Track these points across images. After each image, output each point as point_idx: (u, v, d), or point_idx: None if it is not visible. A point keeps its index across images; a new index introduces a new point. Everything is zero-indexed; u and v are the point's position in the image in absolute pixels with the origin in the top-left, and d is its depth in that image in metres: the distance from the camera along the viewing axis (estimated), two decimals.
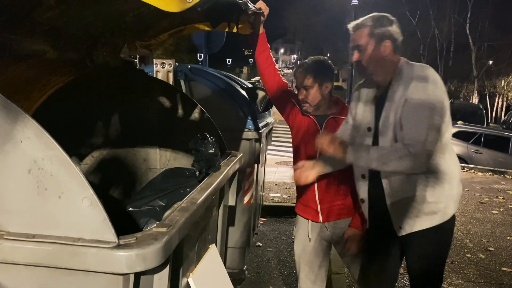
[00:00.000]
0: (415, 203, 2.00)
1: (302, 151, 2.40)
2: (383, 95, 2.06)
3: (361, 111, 2.17)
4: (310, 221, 2.42)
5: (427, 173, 1.95)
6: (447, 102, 1.97)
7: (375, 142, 2.07)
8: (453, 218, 2.08)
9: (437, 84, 1.95)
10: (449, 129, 2.01)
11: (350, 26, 2.10)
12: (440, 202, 2.01)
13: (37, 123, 1.16)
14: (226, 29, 2.32)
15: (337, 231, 2.39)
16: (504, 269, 3.98)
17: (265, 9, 2.34)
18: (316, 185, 2.34)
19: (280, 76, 2.56)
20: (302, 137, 2.40)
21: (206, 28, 2.59)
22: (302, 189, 2.43)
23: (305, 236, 2.45)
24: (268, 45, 2.54)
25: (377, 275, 2.29)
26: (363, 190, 2.17)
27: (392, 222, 2.08)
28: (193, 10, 1.17)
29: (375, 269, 2.31)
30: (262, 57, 2.51)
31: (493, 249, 4.47)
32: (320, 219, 2.38)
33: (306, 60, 2.40)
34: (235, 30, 2.13)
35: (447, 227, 2.08)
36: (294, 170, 2.22)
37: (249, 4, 1.82)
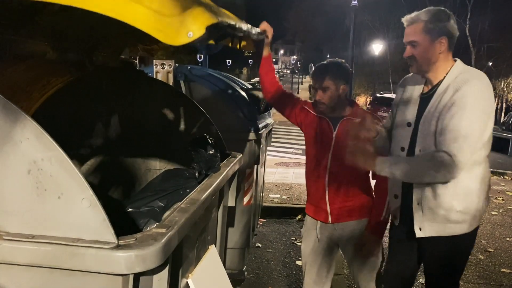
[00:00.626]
0: (442, 209, 1.96)
1: (314, 151, 2.41)
2: (431, 92, 2.01)
3: (404, 105, 2.13)
4: (319, 222, 2.43)
5: (460, 182, 1.90)
6: (493, 115, 1.93)
7: (413, 139, 2.04)
8: (475, 230, 2.03)
9: (491, 95, 1.90)
10: (490, 141, 1.95)
11: (404, 19, 2.02)
12: (467, 214, 1.95)
13: (37, 124, 1.16)
14: (230, 44, 2.30)
15: (346, 232, 2.40)
16: (504, 270, 3.98)
17: (269, 31, 2.29)
18: (326, 186, 2.35)
19: (285, 91, 2.58)
20: (315, 137, 2.40)
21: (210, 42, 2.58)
22: (312, 190, 2.44)
23: (314, 237, 2.46)
24: (273, 66, 2.55)
25: (394, 275, 2.30)
26: (397, 186, 2.14)
27: (414, 221, 2.06)
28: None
29: (393, 269, 2.31)
30: (267, 78, 2.51)
31: (492, 250, 4.47)
32: (330, 220, 2.39)
33: (324, 62, 2.42)
34: (238, 47, 2.10)
35: (469, 238, 2.05)
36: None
37: (252, 30, 1.78)
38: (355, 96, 32.79)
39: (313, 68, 2.41)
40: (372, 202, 2.39)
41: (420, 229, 2.04)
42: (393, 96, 20.53)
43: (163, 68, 3.40)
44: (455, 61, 2.02)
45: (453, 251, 2.03)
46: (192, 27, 1.08)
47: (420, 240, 2.07)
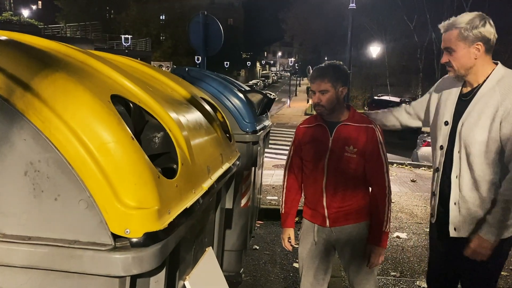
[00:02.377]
0: (482, 212, 1.98)
1: (311, 156, 2.41)
2: (470, 95, 2.03)
3: (443, 106, 2.16)
4: (317, 225, 2.44)
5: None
6: None
7: (451, 138, 2.07)
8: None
9: None
10: None
11: (441, 26, 2.05)
12: (509, 220, 1.94)
13: (34, 125, 1.15)
14: None
15: (344, 235, 2.40)
16: (501, 272, 3.99)
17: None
18: (324, 190, 2.36)
19: (295, 177, 2.55)
20: (312, 143, 2.40)
21: None
22: (310, 194, 2.46)
23: (311, 240, 2.47)
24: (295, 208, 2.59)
25: (436, 274, 2.35)
26: (436, 183, 2.17)
27: (449, 220, 2.08)
28: None
29: (434, 267, 2.36)
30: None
31: None
32: (327, 223, 2.39)
33: (322, 65, 2.40)
34: None
35: (507, 245, 2.05)
36: None
37: None
38: (353, 98, 32.82)
39: (312, 71, 2.41)
40: (368, 205, 2.40)
41: (455, 229, 2.06)
42: (390, 98, 20.50)
43: None
44: (496, 64, 2.03)
45: (496, 253, 2.00)
46: (131, 227, 1.14)
47: (456, 240, 2.09)
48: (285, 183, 2.55)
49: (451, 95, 2.14)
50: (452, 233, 2.07)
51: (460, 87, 2.12)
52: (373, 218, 2.36)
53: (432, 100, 2.29)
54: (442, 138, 2.13)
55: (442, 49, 2.05)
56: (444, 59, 2.03)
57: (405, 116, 2.55)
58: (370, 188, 2.39)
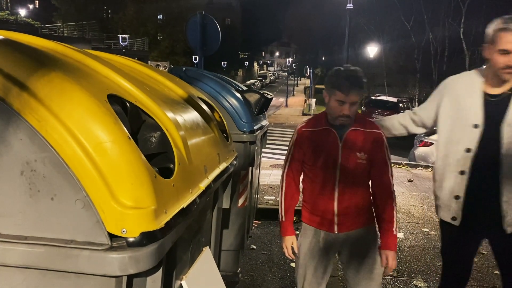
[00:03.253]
0: None
1: (320, 163, 2.30)
2: (502, 96, 2.03)
3: (462, 107, 2.14)
4: (323, 232, 2.37)
5: None
6: None
7: (484, 141, 2.07)
8: None
9: None
10: None
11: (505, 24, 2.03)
12: None
13: (30, 124, 1.15)
14: None
15: (350, 240, 2.36)
16: (497, 272, 3.98)
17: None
18: (336, 197, 2.29)
19: (296, 181, 2.44)
20: (320, 150, 2.30)
21: None
22: (316, 200, 2.36)
23: (315, 246, 2.40)
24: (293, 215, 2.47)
25: (454, 275, 2.38)
26: (460, 187, 2.16)
27: (503, 219, 2.10)
28: None
29: (455, 267, 2.39)
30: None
31: (485, 252, 4.48)
32: (336, 229, 2.33)
33: (354, 73, 2.21)
34: None
35: None
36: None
37: None
38: None
39: (342, 80, 2.18)
40: (371, 208, 2.37)
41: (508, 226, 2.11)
42: (388, 98, 20.39)
43: None
44: None
45: None
46: (128, 227, 1.14)
47: (499, 235, 2.15)
48: (284, 189, 2.42)
49: (473, 97, 2.12)
50: (508, 231, 2.12)
51: (481, 88, 2.10)
52: (383, 223, 2.31)
53: (444, 104, 2.26)
54: (469, 141, 2.11)
55: (502, 50, 1.98)
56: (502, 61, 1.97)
57: (411, 124, 2.54)
58: (375, 192, 2.35)
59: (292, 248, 2.43)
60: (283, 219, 2.43)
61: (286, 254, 2.46)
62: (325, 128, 2.29)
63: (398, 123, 2.58)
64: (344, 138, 2.26)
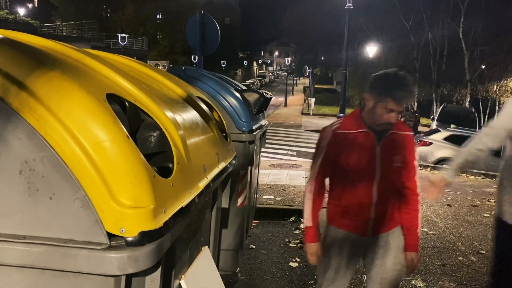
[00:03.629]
0: None
1: (356, 166, 2.23)
2: None
3: None
4: (355, 235, 2.31)
5: None
6: None
7: None
8: None
9: None
10: None
11: None
12: None
13: (29, 123, 1.15)
14: None
15: (380, 243, 2.33)
16: None
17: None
18: (374, 201, 2.24)
19: (323, 179, 2.34)
20: (357, 153, 2.22)
21: None
22: (351, 204, 2.29)
23: (345, 249, 2.34)
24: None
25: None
26: None
27: None
28: None
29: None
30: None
31: (484, 252, 4.50)
32: (369, 233, 2.29)
33: (406, 80, 2.11)
34: None
35: None
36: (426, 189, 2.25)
37: None
38: (349, 98, 32.90)
39: (396, 89, 2.08)
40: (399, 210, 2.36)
41: None
42: None
43: None
44: None
45: None
46: (126, 227, 1.14)
47: None
48: (312, 193, 2.29)
49: None
50: None
51: None
52: (409, 224, 2.30)
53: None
54: None
55: None
56: None
57: (489, 144, 2.40)
58: (402, 194, 2.32)
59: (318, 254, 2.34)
60: (310, 224, 2.30)
61: (314, 262, 2.35)
62: (363, 131, 2.22)
63: (478, 154, 2.42)
64: (383, 142, 2.21)
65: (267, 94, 3.99)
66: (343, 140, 2.24)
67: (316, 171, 2.31)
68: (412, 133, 2.32)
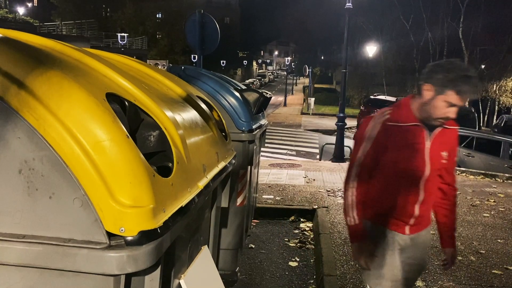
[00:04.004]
0: None
1: (408, 161, 2.07)
2: None
3: None
4: (397, 233, 2.17)
5: None
6: None
7: None
8: None
9: None
10: None
11: None
12: None
13: (28, 123, 1.15)
14: None
15: (416, 241, 2.22)
16: (495, 271, 4.01)
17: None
18: (420, 198, 2.12)
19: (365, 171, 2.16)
20: (408, 148, 2.07)
21: None
22: (395, 201, 2.13)
23: (392, 247, 2.17)
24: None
25: None
26: None
27: None
28: None
29: None
30: None
31: (484, 251, 4.50)
32: (408, 231, 2.17)
33: (475, 77, 1.92)
34: None
35: None
36: None
37: None
38: (349, 97, 32.90)
39: (462, 83, 1.89)
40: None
41: None
42: (386, 98, 20.28)
43: None
44: None
45: None
46: (126, 226, 1.14)
47: None
48: (356, 190, 2.13)
49: None
50: None
51: None
52: (448, 221, 2.23)
53: None
54: None
55: None
56: None
57: None
58: (443, 190, 2.24)
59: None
60: (356, 222, 2.12)
61: (367, 265, 2.14)
62: (415, 124, 2.04)
63: None
64: (433, 137, 2.07)
65: (267, 93, 3.99)
66: (393, 134, 2.05)
67: (359, 165, 2.13)
68: (456, 126, 2.16)
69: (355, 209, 2.12)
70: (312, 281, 3.80)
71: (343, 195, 2.21)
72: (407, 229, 2.16)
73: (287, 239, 4.80)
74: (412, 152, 2.06)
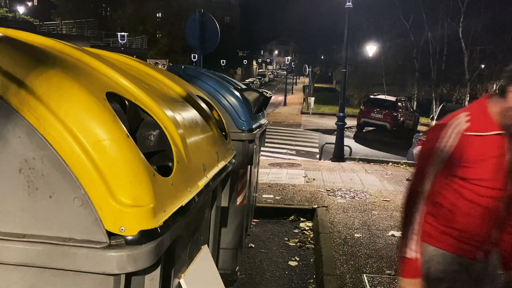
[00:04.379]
0: None
1: (489, 177, 1.74)
2: None
3: None
4: (466, 259, 1.84)
5: None
6: None
7: None
8: None
9: None
10: None
11: None
12: None
13: (29, 122, 1.15)
14: None
15: (488, 266, 1.90)
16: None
17: None
18: (498, 220, 1.82)
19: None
20: (490, 160, 1.73)
21: None
22: (466, 224, 1.80)
23: (462, 278, 1.87)
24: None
25: None
26: None
27: None
28: None
29: None
30: None
31: None
32: (481, 257, 1.85)
33: None
34: None
35: None
36: None
37: None
38: (349, 97, 32.90)
39: None
40: None
41: None
42: (386, 97, 20.21)
43: None
44: None
45: None
46: (126, 225, 1.14)
47: None
48: (418, 216, 1.80)
49: None
50: None
51: None
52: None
53: None
54: None
55: None
56: None
57: None
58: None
59: None
60: (414, 256, 1.79)
61: None
62: (498, 133, 1.74)
63: None
64: None
65: (267, 93, 3.99)
66: (474, 145, 1.73)
67: (428, 184, 1.79)
68: None
69: (413, 237, 1.80)
70: (311, 281, 3.81)
71: (401, 221, 1.88)
72: (477, 255, 1.84)
73: (287, 239, 4.80)
74: (492, 165, 1.74)
